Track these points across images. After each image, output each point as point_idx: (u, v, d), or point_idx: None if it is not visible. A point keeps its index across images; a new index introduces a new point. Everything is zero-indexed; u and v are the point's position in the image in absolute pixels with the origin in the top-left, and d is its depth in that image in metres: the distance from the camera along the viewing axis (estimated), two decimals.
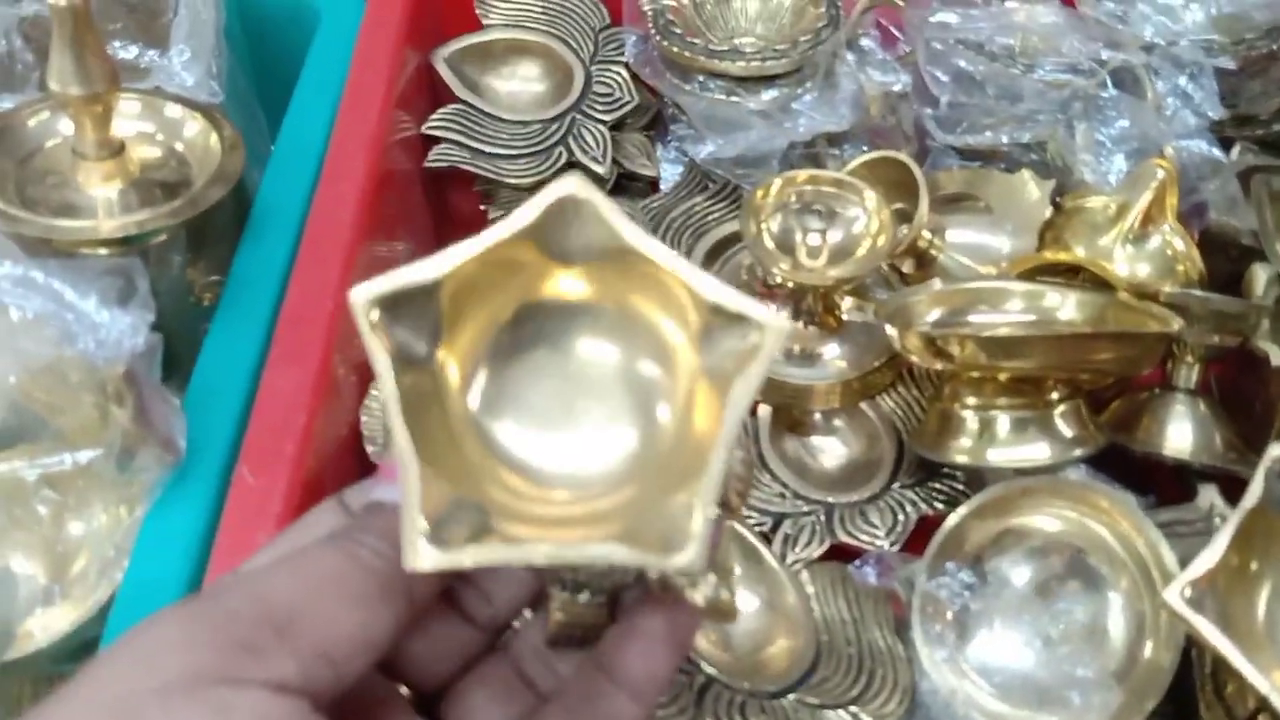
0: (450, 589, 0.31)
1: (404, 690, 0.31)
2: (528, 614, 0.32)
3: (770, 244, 0.57)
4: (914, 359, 0.53)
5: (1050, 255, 0.55)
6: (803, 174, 0.57)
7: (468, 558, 0.23)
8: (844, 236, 0.57)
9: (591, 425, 0.27)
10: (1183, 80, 0.56)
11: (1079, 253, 0.57)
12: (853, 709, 0.44)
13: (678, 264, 0.25)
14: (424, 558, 0.23)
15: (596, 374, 0.27)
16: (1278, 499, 0.39)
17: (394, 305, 0.25)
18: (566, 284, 0.27)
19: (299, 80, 0.63)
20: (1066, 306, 0.54)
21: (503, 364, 0.27)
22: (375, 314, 0.24)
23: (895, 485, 0.55)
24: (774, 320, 0.24)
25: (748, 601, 0.47)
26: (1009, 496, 0.47)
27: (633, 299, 0.27)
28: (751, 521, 0.53)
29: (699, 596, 0.28)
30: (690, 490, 0.24)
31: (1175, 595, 0.37)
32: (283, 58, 0.66)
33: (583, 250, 0.26)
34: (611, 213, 0.25)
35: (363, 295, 0.24)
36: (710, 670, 0.43)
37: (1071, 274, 0.56)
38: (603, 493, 0.26)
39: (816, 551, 0.53)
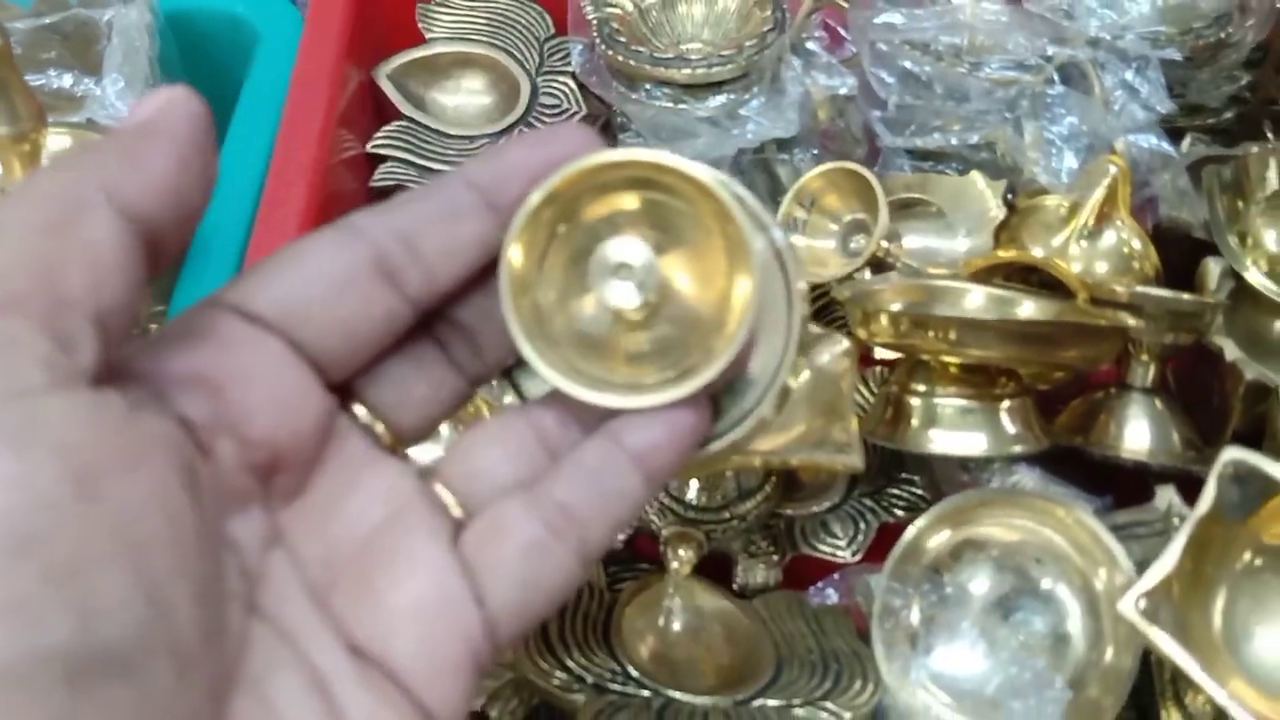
0: (439, 337, 0.30)
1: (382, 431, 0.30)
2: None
3: None
4: (876, 341, 0.52)
5: (1003, 254, 0.55)
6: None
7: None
8: None
9: None
10: (1129, 74, 0.56)
11: (1035, 253, 0.57)
12: (823, 703, 0.43)
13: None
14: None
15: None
16: (1231, 504, 0.39)
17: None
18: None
19: (238, 103, 0.62)
20: (1025, 307, 0.54)
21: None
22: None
23: (854, 494, 0.54)
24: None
25: (700, 628, 0.46)
26: (966, 507, 0.46)
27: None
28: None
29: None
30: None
31: (1130, 606, 0.37)
32: (222, 80, 0.65)
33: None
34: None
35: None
36: (670, 693, 0.43)
37: (1027, 273, 0.55)
38: None
39: (777, 565, 0.53)
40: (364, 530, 0.28)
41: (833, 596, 0.50)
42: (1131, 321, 0.48)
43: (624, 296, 0.29)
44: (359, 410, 0.29)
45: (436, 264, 0.29)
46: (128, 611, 0.22)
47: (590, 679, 0.42)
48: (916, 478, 0.54)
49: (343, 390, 0.29)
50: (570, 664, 0.43)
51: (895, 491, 0.54)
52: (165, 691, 0.22)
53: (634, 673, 0.43)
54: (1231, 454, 0.39)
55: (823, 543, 0.53)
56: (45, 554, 0.21)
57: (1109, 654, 0.43)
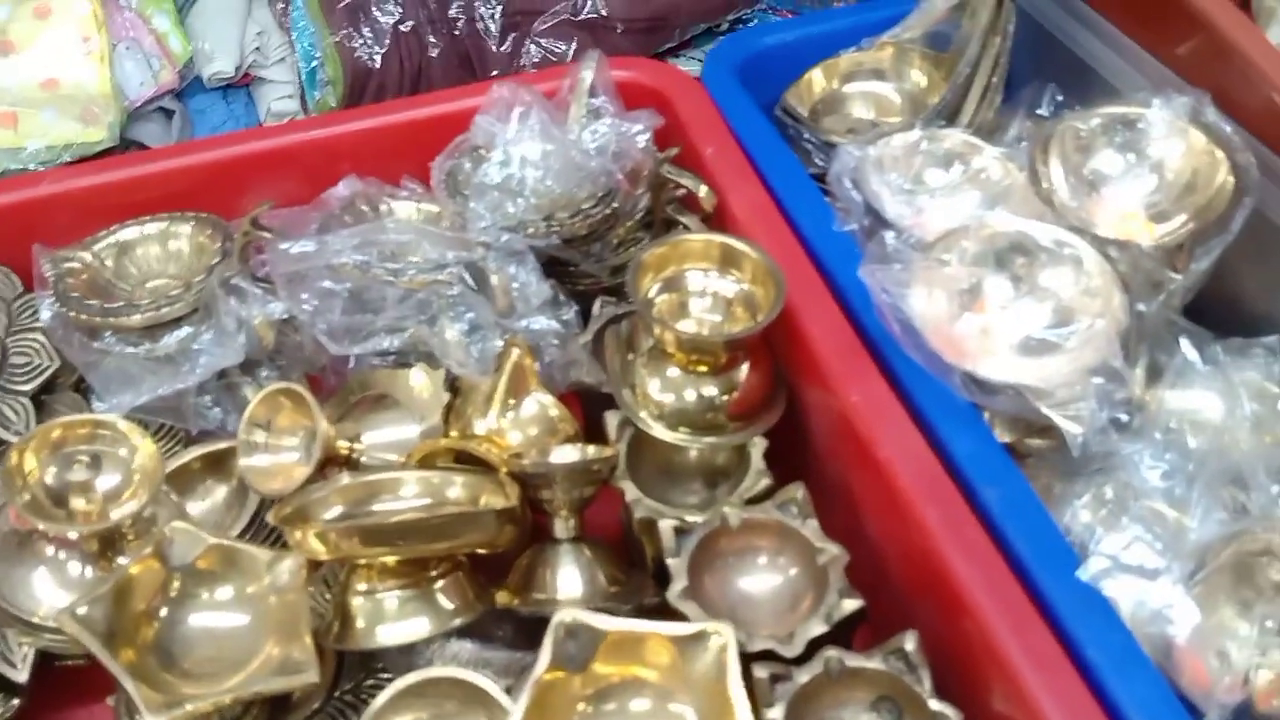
0: None
1: None
2: None
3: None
4: (317, 558, 0.56)
5: (429, 443, 0.61)
6: (57, 426, 0.60)
7: None
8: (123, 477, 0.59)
9: None
10: (515, 267, 0.63)
11: (476, 427, 0.63)
12: None
13: None
14: None
15: None
16: (568, 657, 0.45)
17: None
18: None
19: None
20: (454, 487, 0.59)
21: None
22: None
23: (336, 694, 0.58)
24: None
25: None
26: (396, 699, 0.51)
27: None
28: None
29: None
30: None
31: None
32: None
33: None
34: None
35: None
36: None
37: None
38: None
39: None
40: None
41: None
42: (513, 498, 0.54)
43: None
44: None
45: None
46: None
47: None
48: (389, 668, 0.58)
49: None
50: None
51: (372, 683, 0.58)
52: None
53: None
54: (561, 614, 0.45)
55: None
56: None
57: None
